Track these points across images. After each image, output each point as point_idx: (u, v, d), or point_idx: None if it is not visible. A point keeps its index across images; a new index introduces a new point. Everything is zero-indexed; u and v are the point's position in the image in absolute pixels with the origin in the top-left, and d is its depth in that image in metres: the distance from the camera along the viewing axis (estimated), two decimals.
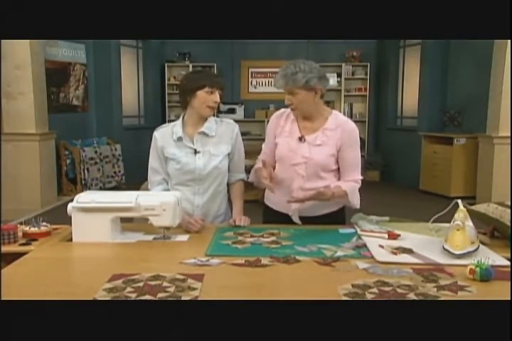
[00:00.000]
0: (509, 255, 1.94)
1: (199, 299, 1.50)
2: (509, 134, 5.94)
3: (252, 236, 2.21)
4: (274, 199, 2.53)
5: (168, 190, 2.53)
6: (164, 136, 2.53)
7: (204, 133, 2.50)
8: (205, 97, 2.41)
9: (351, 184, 2.41)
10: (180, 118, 2.56)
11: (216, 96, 2.43)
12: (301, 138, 2.41)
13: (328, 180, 2.41)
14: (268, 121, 2.61)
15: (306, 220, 2.42)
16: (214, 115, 2.60)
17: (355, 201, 2.43)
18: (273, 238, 2.19)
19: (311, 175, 2.39)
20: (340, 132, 2.38)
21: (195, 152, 2.49)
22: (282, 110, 2.54)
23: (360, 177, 2.45)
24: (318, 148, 2.38)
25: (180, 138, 2.49)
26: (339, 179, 2.45)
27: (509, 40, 5.69)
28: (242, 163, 2.63)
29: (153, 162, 2.56)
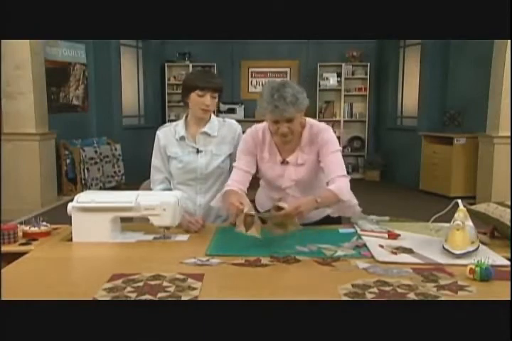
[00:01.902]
0: (509, 255, 1.94)
1: (199, 299, 1.49)
2: (509, 134, 5.94)
3: None
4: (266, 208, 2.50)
5: (169, 188, 2.54)
6: (167, 135, 2.54)
7: (206, 133, 2.50)
8: (197, 100, 2.40)
9: (335, 183, 2.21)
10: (183, 117, 2.57)
11: (207, 100, 2.39)
12: (283, 162, 2.33)
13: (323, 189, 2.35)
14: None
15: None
16: (215, 115, 2.59)
17: (347, 196, 2.21)
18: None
19: (304, 192, 2.34)
20: (316, 145, 2.28)
21: (198, 151, 2.49)
22: (256, 130, 2.36)
23: (345, 173, 2.25)
24: (303, 168, 2.31)
25: (182, 138, 2.50)
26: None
27: (509, 40, 5.69)
28: None
29: (155, 161, 2.57)
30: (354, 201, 2.27)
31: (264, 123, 2.33)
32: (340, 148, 2.32)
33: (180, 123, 2.55)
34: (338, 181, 2.22)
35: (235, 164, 2.38)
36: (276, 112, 2.10)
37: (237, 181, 2.33)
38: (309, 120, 2.33)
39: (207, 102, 2.40)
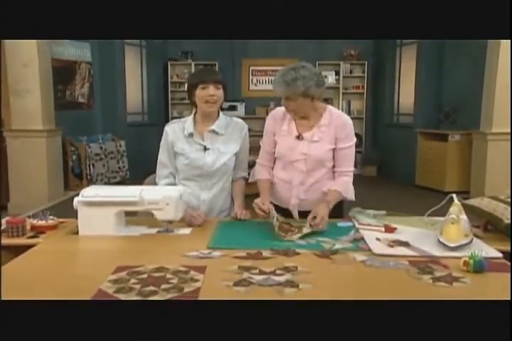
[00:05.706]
0: (502, 247, 1.98)
1: (201, 292, 1.51)
2: (502, 130, 6.01)
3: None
4: (273, 195, 2.57)
5: (174, 183, 2.58)
6: (175, 131, 2.58)
7: (214, 131, 2.55)
8: (201, 93, 2.45)
9: (343, 180, 2.48)
10: (192, 114, 2.61)
11: (210, 90, 2.44)
12: (298, 136, 2.46)
13: (327, 173, 2.49)
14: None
15: (305, 214, 2.41)
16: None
17: (350, 195, 2.53)
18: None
19: (310, 170, 2.46)
20: (334, 127, 2.45)
21: (205, 149, 2.54)
22: (278, 109, 2.57)
23: (352, 169, 2.51)
24: (316, 144, 2.44)
25: (191, 134, 2.54)
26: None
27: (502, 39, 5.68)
28: (245, 162, 2.68)
29: (162, 156, 2.61)
30: (351, 198, 2.57)
31: None
32: (355, 141, 2.53)
33: (189, 119, 2.59)
34: (345, 178, 2.49)
35: (261, 144, 2.63)
36: (276, 91, 2.37)
37: (266, 160, 2.60)
38: (331, 107, 2.53)
39: (211, 92, 2.44)
